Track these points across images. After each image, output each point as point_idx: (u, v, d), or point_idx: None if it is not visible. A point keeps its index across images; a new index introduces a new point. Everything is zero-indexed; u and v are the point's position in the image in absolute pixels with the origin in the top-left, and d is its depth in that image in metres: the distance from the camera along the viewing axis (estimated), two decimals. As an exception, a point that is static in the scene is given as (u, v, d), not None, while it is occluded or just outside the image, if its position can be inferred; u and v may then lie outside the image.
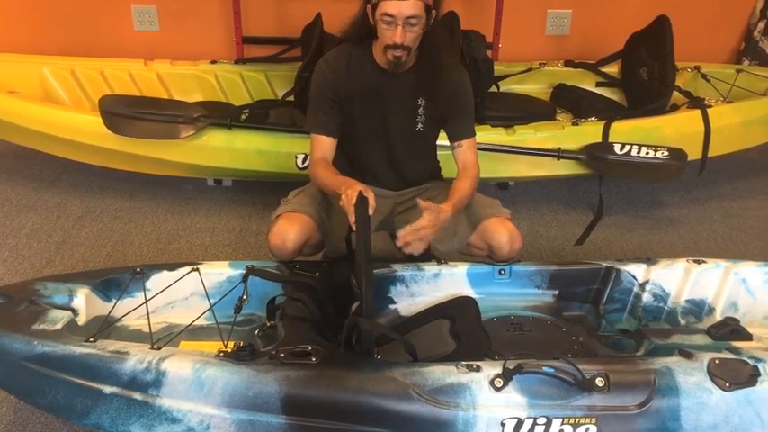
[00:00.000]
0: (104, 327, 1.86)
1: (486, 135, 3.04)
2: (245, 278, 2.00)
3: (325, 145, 2.27)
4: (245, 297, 2.01)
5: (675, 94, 3.32)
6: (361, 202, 1.94)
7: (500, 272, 2.20)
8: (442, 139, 2.38)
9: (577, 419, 1.63)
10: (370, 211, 1.95)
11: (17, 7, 3.74)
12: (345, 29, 2.25)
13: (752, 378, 1.67)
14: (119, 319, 1.98)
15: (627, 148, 3.01)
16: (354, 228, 1.93)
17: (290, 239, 2.16)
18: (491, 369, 1.67)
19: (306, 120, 2.34)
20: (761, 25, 3.97)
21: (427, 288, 2.19)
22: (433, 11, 2.11)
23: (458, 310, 2.05)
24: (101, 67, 3.48)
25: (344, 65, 2.23)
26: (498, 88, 3.57)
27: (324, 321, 1.95)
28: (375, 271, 2.11)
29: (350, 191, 1.97)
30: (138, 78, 3.50)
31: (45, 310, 1.87)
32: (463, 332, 1.98)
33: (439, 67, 2.21)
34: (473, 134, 2.32)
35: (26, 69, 3.38)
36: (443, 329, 2.02)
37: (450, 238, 2.27)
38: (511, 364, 1.65)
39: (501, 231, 2.20)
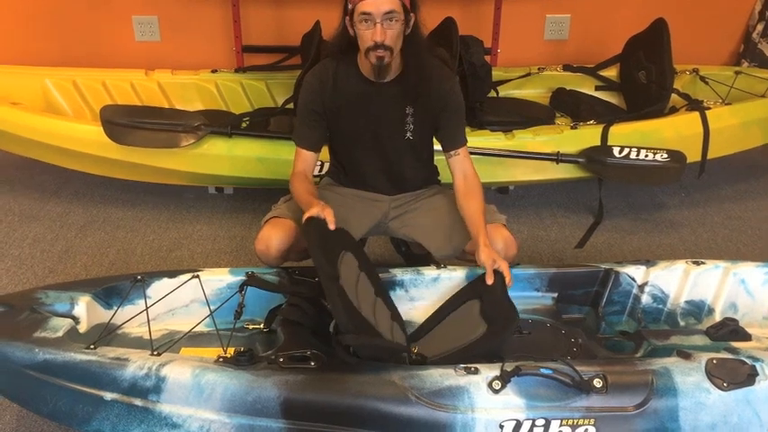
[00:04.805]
0: (105, 334, 1.87)
1: (486, 140, 3.05)
2: (241, 288, 2.01)
3: (307, 158, 2.30)
4: (242, 308, 2.00)
5: (674, 96, 3.33)
6: (311, 227, 1.95)
7: (499, 275, 2.20)
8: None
9: (576, 421, 1.63)
10: (331, 226, 1.97)
11: (19, 19, 3.78)
12: (329, 45, 2.27)
13: (750, 378, 1.67)
14: (119, 327, 1.99)
15: (626, 150, 3.02)
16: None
17: (274, 245, 2.18)
18: (489, 371, 1.67)
19: (294, 132, 2.36)
20: (759, 27, 3.98)
21: (427, 292, 2.19)
22: (411, 13, 2.11)
23: (485, 287, 2.03)
24: (102, 77, 3.51)
25: (331, 77, 2.24)
26: (497, 93, 3.58)
27: (323, 327, 1.96)
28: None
29: (306, 214, 1.99)
30: (140, 88, 3.52)
31: (46, 318, 1.88)
32: (492, 311, 1.97)
33: (425, 74, 2.21)
34: (466, 140, 2.32)
35: (28, 81, 3.41)
36: (474, 311, 2.02)
37: (446, 245, 2.28)
38: (509, 367, 1.66)
39: (496, 238, 2.20)
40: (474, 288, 2.09)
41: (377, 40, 2.07)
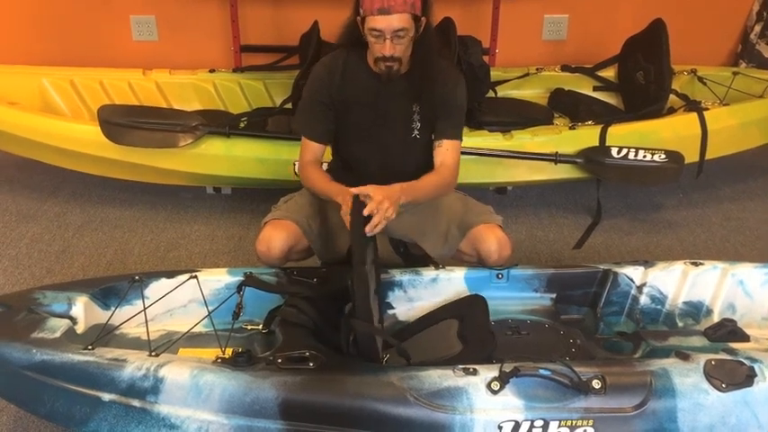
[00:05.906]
0: (103, 335, 1.86)
1: (484, 140, 3.05)
2: (239, 288, 2.01)
3: (315, 149, 2.30)
4: (240, 308, 2.00)
5: (672, 97, 3.33)
6: (357, 205, 1.95)
7: (498, 276, 2.20)
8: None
9: (574, 422, 1.63)
10: (365, 211, 1.96)
11: (17, 19, 3.77)
12: (339, 34, 2.27)
13: (748, 379, 1.67)
14: (117, 327, 1.98)
15: (624, 151, 3.02)
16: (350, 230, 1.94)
17: (275, 246, 2.18)
18: (488, 372, 1.67)
19: (296, 121, 2.34)
20: (757, 28, 3.98)
21: (425, 293, 2.19)
22: (422, 18, 2.11)
23: (467, 310, 2.06)
24: (100, 77, 3.50)
25: (340, 69, 2.24)
26: (496, 93, 3.58)
27: (322, 327, 1.95)
28: None
29: (347, 197, 1.99)
30: (137, 88, 3.52)
31: (44, 318, 1.88)
32: (470, 334, 1.98)
33: (433, 73, 2.20)
34: (457, 138, 2.29)
35: (26, 80, 3.40)
36: (451, 330, 2.02)
37: (440, 244, 2.27)
38: (507, 368, 1.66)
39: (490, 238, 2.20)
40: (454, 308, 2.10)
41: (386, 54, 2.08)
